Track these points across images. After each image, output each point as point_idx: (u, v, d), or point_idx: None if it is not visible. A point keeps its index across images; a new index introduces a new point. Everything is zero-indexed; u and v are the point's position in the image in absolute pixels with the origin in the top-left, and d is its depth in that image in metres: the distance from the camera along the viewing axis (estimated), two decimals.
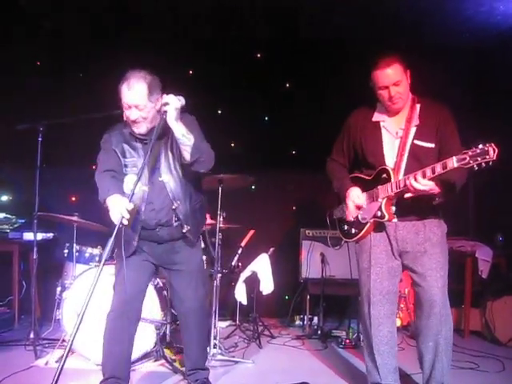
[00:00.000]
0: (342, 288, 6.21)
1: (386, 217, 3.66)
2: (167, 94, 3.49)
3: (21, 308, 6.08)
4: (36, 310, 5.30)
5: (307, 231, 6.36)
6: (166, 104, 3.41)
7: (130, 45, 6.26)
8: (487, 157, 3.13)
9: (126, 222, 3.20)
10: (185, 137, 3.47)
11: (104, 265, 4.75)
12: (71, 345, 2.95)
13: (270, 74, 6.77)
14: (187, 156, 3.51)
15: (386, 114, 3.81)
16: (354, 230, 3.90)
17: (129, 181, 3.64)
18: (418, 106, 3.74)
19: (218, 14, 5.97)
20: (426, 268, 3.66)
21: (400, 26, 6.02)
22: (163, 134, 3.62)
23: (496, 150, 3.13)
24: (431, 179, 3.38)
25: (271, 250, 5.69)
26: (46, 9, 6.01)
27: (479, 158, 3.14)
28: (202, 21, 6.15)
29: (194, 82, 6.51)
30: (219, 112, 6.72)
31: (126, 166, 3.72)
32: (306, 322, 6.24)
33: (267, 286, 5.47)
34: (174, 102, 3.41)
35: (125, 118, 3.61)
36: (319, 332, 5.88)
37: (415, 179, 3.39)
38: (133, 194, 3.26)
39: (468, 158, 3.17)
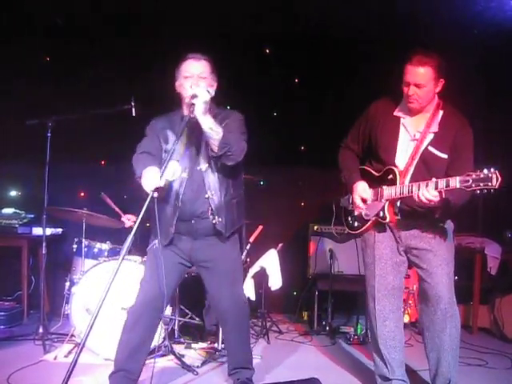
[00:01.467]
0: (351, 284, 6.20)
1: (388, 219, 3.68)
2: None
3: (30, 303, 6.10)
4: (45, 304, 5.32)
5: (316, 227, 6.35)
6: (194, 96, 3.38)
7: (139, 40, 6.26)
8: (489, 184, 3.11)
9: (156, 195, 3.22)
10: (213, 130, 3.45)
11: (111, 259, 4.81)
12: (84, 343, 2.93)
13: (279, 70, 6.77)
14: (215, 149, 3.49)
15: (407, 111, 3.74)
16: (356, 224, 3.94)
17: (169, 166, 3.55)
18: (440, 113, 3.67)
19: (228, 9, 5.96)
20: (432, 265, 3.67)
21: (410, 23, 6.00)
22: None
23: (499, 179, 3.10)
24: None
25: (280, 245, 5.68)
26: (57, 5, 6.02)
27: (481, 184, 3.13)
28: (210, 17, 6.13)
29: None
30: (228, 108, 6.72)
31: (166, 151, 3.68)
32: (314, 318, 6.23)
33: (276, 281, 5.46)
34: (202, 95, 3.39)
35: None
36: (327, 328, 5.88)
37: (426, 189, 3.34)
38: (165, 169, 3.25)
39: (471, 181, 3.15)
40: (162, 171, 3.26)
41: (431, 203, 3.37)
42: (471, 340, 5.52)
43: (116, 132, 5.93)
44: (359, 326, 5.81)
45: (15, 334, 5.36)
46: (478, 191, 3.16)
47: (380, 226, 3.79)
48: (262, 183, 6.01)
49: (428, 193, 3.32)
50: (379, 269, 3.78)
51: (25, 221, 6.05)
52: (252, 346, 5.15)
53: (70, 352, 4.76)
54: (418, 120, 3.70)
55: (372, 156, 3.90)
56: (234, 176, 3.73)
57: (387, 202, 3.66)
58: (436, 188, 3.32)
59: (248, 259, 5.62)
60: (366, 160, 4.01)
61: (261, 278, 5.51)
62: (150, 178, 3.30)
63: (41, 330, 5.05)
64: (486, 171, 3.12)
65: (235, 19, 6.20)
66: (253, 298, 5.38)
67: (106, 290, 2.97)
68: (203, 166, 3.64)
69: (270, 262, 5.45)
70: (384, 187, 3.67)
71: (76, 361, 2.80)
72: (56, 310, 5.86)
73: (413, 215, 3.66)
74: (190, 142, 3.68)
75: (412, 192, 3.44)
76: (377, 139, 3.79)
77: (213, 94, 3.53)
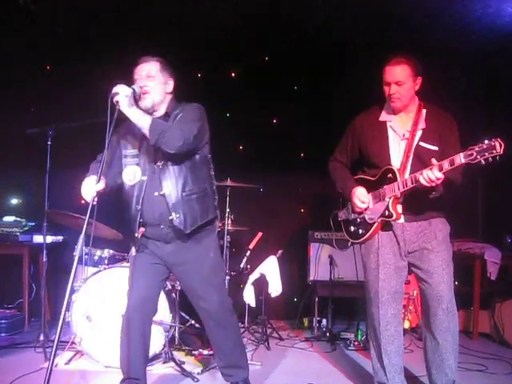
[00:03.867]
0: (351, 290, 6.21)
1: (394, 216, 3.70)
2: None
3: (31, 310, 6.11)
4: (46, 312, 5.34)
5: (315, 233, 6.36)
6: (115, 94, 3.44)
7: (139, 50, 6.28)
8: (494, 151, 3.18)
9: (95, 202, 3.33)
10: (141, 120, 3.49)
11: (111, 267, 4.83)
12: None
13: (279, 77, 6.79)
14: (149, 138, 3.51)
15: (392, 114, 3.86)
16: (361, 231, 3.92)
17: (128, 171, 3.70)
18: (424, 111, 3.80)
19: (228, 16, 5.99)
20: (432, 265, 3.71)
21: (408, 28, 6.03)
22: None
23: (503, 145, 3.17)
24: None
25: (279, 252, 5.70)
26: (57, 13, 6.05)
27: (486, 153, 3.20)
28: (211, 23, 6.16)
29: (203, 85, 6.55)
30: (227, 115, 6.75)
31: (125, 156, 3.75)
32: (314, 324, 6.23)
33: (276, 288, 5.49)
34: (123, 91, 3.45)
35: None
36: (328, 334, 5.89)
37: (431, 171, 3.40)
38: (100, 173, 3.34)
39: (475, 154, 3.23)
40: (98, 175, 3.36)
41: (434, 184, 3.43)
42: (471, 345, 5.53)
43: None
44: (359, 332, 5.81)
45: (16, 342, 5.36)
46: (484, 161, 3.23)
47: (386, 227, 3.81)
48: (261, 190, 6.03)
49: (433, 174, 3.39)
50: (383, 273, 3.79)
51: (26, 229, 6.07)
52: (252, 352, 5.20)
53: (70, 359, 4.77)
54: (403, 120, 3.82)
55: (365, 165, 3.97)
56: (192, 170, 3.69)
57: (391, 200, 3.70)
58: (441, 170, 3.39)
59: (248, 266, 5.65)
60: (357, 170, 4.07)
61: (261, 284, 5.54)
62: (87, 188, 3.45)
63: (42, 338, 5.07)
64: (487, 141, 3.22)
65: (235, 26, 6.22)
66: (253, 304, 5.42)
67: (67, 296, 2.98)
68: (160, 163, 3.63)
69: (270, 269, 5.48)
70: (385, 186, 3.73)
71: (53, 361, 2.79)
72: (57, 317, 5.85)
73: (416, 210, 3.73)
74: (146, 144, 3.69)
75: (417, 181, 3.51)
76: (367, 147, 3.89)
77: (137, 89, 3.59)
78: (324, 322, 6.23)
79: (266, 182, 6.02)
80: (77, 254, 3.12)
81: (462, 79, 6.30)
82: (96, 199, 3.33)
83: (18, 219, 6.08)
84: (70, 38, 6.30)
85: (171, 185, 3.60)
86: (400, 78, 3.69)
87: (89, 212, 3.18)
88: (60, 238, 6.18)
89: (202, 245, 3.78)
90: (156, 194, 3.61)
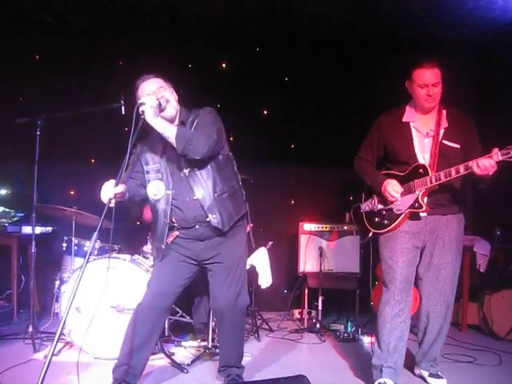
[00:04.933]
0: (340, 281, 6.24)
1: (424, 207, 3.92)
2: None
3: (19, 302, 6.07)
4: (35, 303, 5.32)
5: (306, 225, 6.36)
6: (141, 104, 3.47)
7: (128, 39, 6.26)
8: None
9: (112, 205, 3.36)
10: (167, 130, 3.55)
11: (101, 258, 4.82)
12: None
13: (269, 68, 6.78)
14: (176, 147, 3.57)
15: (415, 115, 4.09)
16: (386, 222, 4.10)
17: (152, 187, 3.78)
18: (444, 112, 4.05)
19: (218, 7, 5.96)
20: (443, 260, 4.00)
21: (401, 21, 6.03)
22: None
23: None
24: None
25: (270, 243, 5.71)
26: (46, 3, 6.01)
27: None
28: (200, 15, 6.13)
29: (193, 76, 6.51)
30: (218, 106, 6.72)
31: (148, 172, 3.83)
32: (304, 316, 6.24)
33: (266, 279, 5.49)
34: (149, 102, 3.49)
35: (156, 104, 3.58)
36: (317, 325, 5.89)
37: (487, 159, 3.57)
38: (120, 177, 3.35)
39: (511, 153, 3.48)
40: (117, 179, 3.37)
41: (487, 172, 3.59)
42: (460, 337, 5.56)
43: (106, 130, 5.93)
44: (349, 324, 5.82)
45: (5, 333, 5.33)
46: None
47: (411, 218, 4.01)
48: (251, 182, 6.01)
49: (488, 162, 3.55)
50: (401, 262, 3.98)
51: (14, 219, 6.04)
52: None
53: (59, 351, 4.76)
54: (425, 120, 4.06)
55: (391, 162, 4.19)
56: (218, 170, 3.78)
57: (421, 192, 3.90)
58: (497, 160, 3.56)
59: (247, 260, 5.63)
60: (382, 168, 4.28)
61: (251, 276, 5.52)
62: (104, 191, 3.45)
63: (30, 329, 5.03)
64: None
65: (225, 17, 6.19)
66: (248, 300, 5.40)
67: (75, 288, 2.99)
68: (186, 170, 3.71)
69: (260, 260, 5.48)
70: (416, 180, 3.93)
71: (52, 354, 2.78)
72: (46, 308, 5.87)
73: (437, 204, 3.98)
74: (167, 156, 3.78)
75: (450, 175, 3.74)
76: (393, 146, 4.11)
77: (163, 102, 3.62)
78: (314, 313, 6.24)
79: (256, 174, 6.00)
80: (89, 250, 3.12)
81: (453, 71, 6.30)
82: (113, 201, 3.37)
83: (7, 210, 6.03)
84: (59, 27, 6.25)
85: (202, 189, 3.71)
86: (437, 79, 3.90)
87: (104, 213, 3.17)
88: (49, 228, 6.15)
89: (235, 239, 3.92)
90: (188, 199, 3.70)
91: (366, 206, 4.30)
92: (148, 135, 3.79)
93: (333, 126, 6.77)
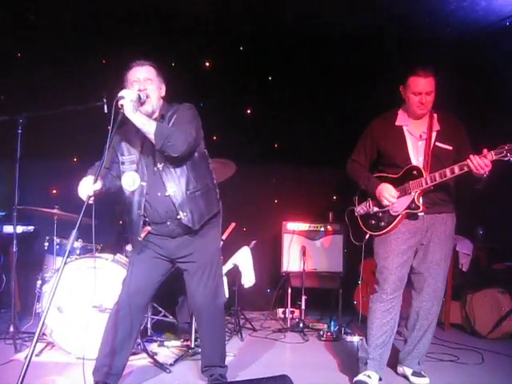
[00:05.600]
0: (323, 281, 6.26)
1: (420, 207, 4.01)
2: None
3: (0, 302, 6.02)
4: (16, 303, 5.27)
5: (289, 224, 6.37)
6: (121, 98, 3.43)
7: (111, 38, 6.23)
8: None
9: (91, 201, 3.35)
10: (146, 125, 3.50)
11: (82, 257, 4.79)
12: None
13: (252, 67, 6.77)
14: (154, 143, 3.53)
15: (408, 119, 4.20)
16: (382, 224, 4.17)
17: (127, 178, 3.72)
18: (435, 116, 4.17)
19: (202, 5, 5.94)
20: (437, 257, 4.10)
21: (385, 20, 6.05)
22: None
23: None
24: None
25: (253, 242, 5.70)
26: (30, 1, 5.97)
27: None
28: (185, 12, 6.11)
29: (176, 75, 6.49)
30: (201, 105, 6.70)
31: (123, 163, 3.77)
32: (287, 315, 6.25)
33: (249, 278, 5.48)
34: (128, 95, 3.45)
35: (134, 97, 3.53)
36: (301, 325, 5.89)
37: (485, 157, 3.69)
38: (98, 174, 3.34)
39: (505, 152, 3.60)
40: (95, 175, 3.36)
41: (483, 171, 3.70)
42: (443, 336, 5.58)
43: (88, 129, 5.89)
44: (332, 323, 5.83)
45: None
46: None
47: (408, 218, 4.09)
48: (235, 180, 6.00)
49: (482, 161, 3.67)
50: (396, 262, 4.05)
51: None
52: (225, 343, 5.17)
53: (41, 351, 4.73)
54: (418, 124, 4.17)
55: (382, 165, 4.29)
56: (193, 168, 3.74)
57: (417, 193, 4.00)
58: (491, 159, 3.67)
59: (221, 257, 5.61)
60: (374, 170, 4.36)
61: (234, 275, 5.53)
62: (83, 188, 3.47)
63: (12, 329, 4.98)
64: None
65: (209, 15, 6.17)
66: (226, 295, 5.39)
67: (54, 287, 2.99)
68: (159, 165, 3.66)
69: (243, 260, 5.47)
70: (410, 182, 4.03)
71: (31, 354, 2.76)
72: (27, 308, 5.82)
73: (432, 204, 4.07)
74: (143, 149, 3.73)
75: (445, 176, 3.86)
76: (386, 149, 4.20)
77: (143, 95, 3.58)
78: (297, 312, 6.25)
79: (239, 173, 6.00)
80: (68, 248, 3.09)
81: (435, 70, 6.33)
82: (92, 199, 3.35)
83: None
84: (41, 24, 6.21)
85: (175, 185, 3.66)
86: (430, 88, 4.03)
87: (83, 211, 3.14)
88: (31, 228, 6.11)
89: (208, 237, 3.87)
90: (159, 194, 3.66)
91: (360, 209, 4.35)
92: (125, 125, 3.69)
93: (316, 125, 6.78)
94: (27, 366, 2.72)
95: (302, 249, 6.16)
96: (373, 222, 4.23)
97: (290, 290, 6.27)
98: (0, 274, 6.06)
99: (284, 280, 6.42)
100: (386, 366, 4.14)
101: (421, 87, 4.01)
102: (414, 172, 4.01)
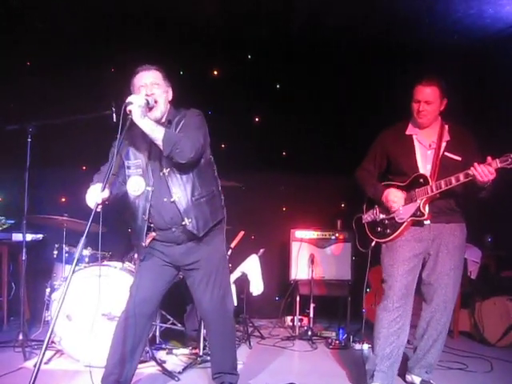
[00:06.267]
0: (332, 289, 6.25)
1: (426, 215, 4.00)
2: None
3: (10, 309, 6.05)
4: (25, 311, 5.27)
5: (297, 232, 6.36)
6: (129, 104, 3.43)
7: (120, 46, 6.25)
8: None
9: (99, 209, 3.33)
10: (154, 131, 3.49)
11: (91, 265, 4.80)
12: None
13: (261, 75, 6.79)
14: (162, 148, 3.52)
15: (417, 128, 4.20)
16: (388, 231, 4.18)
17: (133, 182, 3.71)
18: (446, 126, 4.16)
19: (211, 13, 5.96)
20: (446, 267, 4.07)
21: (392, 28, 6.06)
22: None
23: None
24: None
25: (261, 251, 5.69)
26: (38, 8, 5.99)
27: None
28: (193, 20, 6.13)
29: (184, 83, 6.50)
30: (209, 113, 6.72)
31: (128, 167, 3.76)
32: (295, 323, 6.24)
33: (257, 286, 5.48)
34: (136, 101, 3.45)
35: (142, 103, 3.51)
36: (309, 333, 5.88)
37: (490, 165, 3.68)
38: (106, 181, 3.31)
39: (510, 160, 3.59)
40: (103, 183, 3.33)
41: (487, 179, 3.69)
42: (452, 344, 5.56)
43: (97, 137, 5.90)
44: (341, 331, 5.82)
45: None
46: None
47: (414, 225, 4.08)
48: (243, 189, 6.01)
49: (486, 168, 3.67)
50: (401, 269, 4.04)
51: (5, 227, 6.02)
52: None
53: (50, 359, 4.73)
54: (428, 133, 4.17)
55: (393, 174, 4.28)
56: (199, 174, 3.72)
57: (422, 201, 4.00)
58: (495, 167, 3.67)
59: (230, 265, 5.61)
60: (383, 179, 4.36)
61: (242, 283, 5.53)
62: (91, 196, 3.46)
63: (21, 337, 4.99)
64: None
65: (218, 23, 6.20)
66: (234, 303, 5.39)
67: (63, 295, 3.00)
68: (166, 170, 3.64)
69: (252, 268, 5.47)
70: (416, 189, 4.03)
71: (40, 362, 2.77)
72: (36, 316, 5.82)
73: (440, 213, 4.05)
74: (150, 154, 3.71)
75: (451, 184, 3.86)
76: (396, 158, 4.22)
77: (151, 100, 3.58)
78: (305, 320, 6.24)
79: (248, 181, 6.00)
80: (76, 256, 3.08)
81: (443, 77, 6.33)
82: (100, 207, 3.35)
83: None
84: (50, 33, 6.24)
85: (180, 191, 3.64)
86: (430, 97, 4.04)
87: (91, 219, 3.13)
88: (40, 236, 6.12)
89: (213, 245, 3.84)
90: (165, 200, 3.64)
91: (367, 217, 4.37)
92: (132, 129, 3.65)
93: (324, 133, 6.78)
94: (36, 373, 2.72)
95: (311, 257, 6.16)
96: (379, 229, 4.25)
97: (298, 298, 6.26)
98: (9, 281, 6.09)
99: (292, 288, 6.41)
100: (395, 377, 4.11)
101: (420, 95, 4.06)
102: (421, 180, 4.02)
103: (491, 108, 6.32)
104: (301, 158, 6.86)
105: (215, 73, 6.98)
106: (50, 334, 2.86)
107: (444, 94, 4.10)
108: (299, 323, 6.25)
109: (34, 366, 2.73)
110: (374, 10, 5.77)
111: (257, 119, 7.12)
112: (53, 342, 4.72)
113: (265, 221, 6.89)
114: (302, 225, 6.43)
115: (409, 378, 4.35)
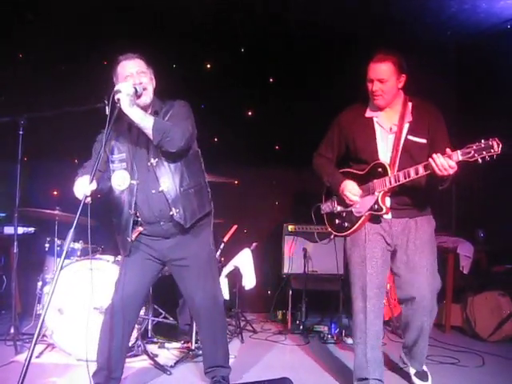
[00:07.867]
0: (325, 283, 6.24)
1: (384, 210, 3.75)
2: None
3: (1, 303, 6.03)
4: (16, 304, 5.26)
5: (290, 226, 6.35)
6: (117, 92, 3.39)
7: (113, 39, 6.21)
8: (492, 150, 3.24)
9: (88, 200, 3.27)
10: (143, 120, 3.46)
11: (83, 259, 4.78)
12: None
13: (254, 69, 6.77)
14: (152, 138, 3.50)
15: (378, 110, 3.87)
16: (346, 224, 3.96)
17: (117, 177, 3.67)
18: (410, 104, 3.83)
19: (203, 8, 5.95)
20: (417, 264, 3.78)
21: (385, 23, 6.05)
22: None
23: (500, 144, 3.22)
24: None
25: (254, 244, 5.69)
26: (31, 1, 5.98)
27: (484, 152, 3.26)
28: (186, 14, 6.11)
29: (177, 76, 6.49)
30: (202, 107, 6.70)
31: (112, 161, 3.72)
32: (288, 317, 6.23)
33: (249, 280, 5.47)
34: (125, 89, 3.41)
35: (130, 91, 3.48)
36: (301, 327, 5.89)
37: (445, 158, 3.38)
38: (94, 173, 3.25)
39: (473, 152, 3.29)
40: (91, 176, 3.26)
41: (446, 172, 3.40)
42: (444, 338, 5.57)
43: (88, 130, 5.87)
44: (333, 325, 5.82)
45: None
46: (480, 160, 3.28)
47: (373, 220, 3.84)
48: (236, 182, 6.01)
49: (446, 161, 3.37)
50: (370, 267, 3.81)
51: None
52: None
53: (41, 353, 4.72)
54: (390, 115, 3.84)
55: (352, 160, 4.00)
56: (187, 165, 3.71)
57: (380, 194, 3.73)
58: (456, 160, 3.37)
59: (222, 258, 5.62)
60: (343, 165, 4.09)
61: (235, 277, 5.52)
62: (79, 187, 3.43)
63: (12, 331, 4.98)
64: (484, 141, 3.27)
65: (210, 17, 6.18)
66: (227, 297, 5.38)
67: (52, 288, 3.00)
68: (153, 160, 3.62)
69: (244, 262, 5.46)
70: (375, 181, 3.76)
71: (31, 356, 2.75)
72: (28, 310, 5.81)
73: (403, 207, 3.79)
74: (136, 144, 3.69)
75: (409, 176, 3.57)
76: (355, 143, 3.91)
77: (140, 88, 3.54)
78: (298, 314, 6.24)
79: (240, 175, 5.99)
80: (65, 248, 3.05)
81: (436, 74, 6.33)
82: (89, 199, 3.29)
83: None
84: (42, 24, 6.21)
85: (168, 181, 3.61)
86: (383, 75, 3.70)
87: (79, 211, 3.10)
88: (31, 229, 6.09)
89: (200, 238, 3.82)
90: (154, 191, 3.61)
91: (326, 207, 4.18)
92: (116, 123, 3.58)
93: (317, 127, 6.76)
94: (27, 367, 2.71)
95: (303, 251, 6.15)
96: (337, 221, 4.04)
97: (290, 292, 6.25)
98: (0, 275, 6.07)
99: (285, 282, 6.41)
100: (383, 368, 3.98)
101: (372, 73, 3.73)
102: (380, 169, 3.74)
103: (485, 102, 6.31)
104: (294, 151, 6.85)
105: (208, 66, 6.96)
106: (40, 328, 2.83)
107: (401, 69, 3.73)
108: (291, 317, 6.22)
109: (25, 359, 2.71)
110: (366, 7, 5.76)
111: (249, 113, 7.10)
112: (44, 335, 4.71)
113: (257, 215, 6.89)
114: (294, 219, 6.42)
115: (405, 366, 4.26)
